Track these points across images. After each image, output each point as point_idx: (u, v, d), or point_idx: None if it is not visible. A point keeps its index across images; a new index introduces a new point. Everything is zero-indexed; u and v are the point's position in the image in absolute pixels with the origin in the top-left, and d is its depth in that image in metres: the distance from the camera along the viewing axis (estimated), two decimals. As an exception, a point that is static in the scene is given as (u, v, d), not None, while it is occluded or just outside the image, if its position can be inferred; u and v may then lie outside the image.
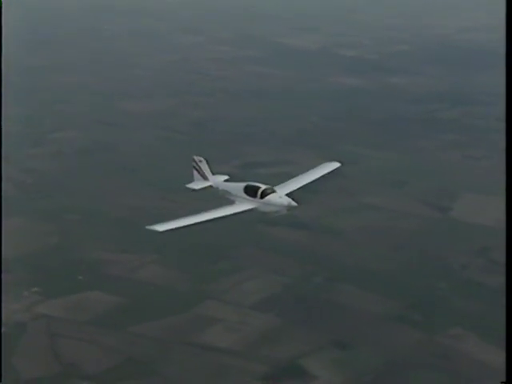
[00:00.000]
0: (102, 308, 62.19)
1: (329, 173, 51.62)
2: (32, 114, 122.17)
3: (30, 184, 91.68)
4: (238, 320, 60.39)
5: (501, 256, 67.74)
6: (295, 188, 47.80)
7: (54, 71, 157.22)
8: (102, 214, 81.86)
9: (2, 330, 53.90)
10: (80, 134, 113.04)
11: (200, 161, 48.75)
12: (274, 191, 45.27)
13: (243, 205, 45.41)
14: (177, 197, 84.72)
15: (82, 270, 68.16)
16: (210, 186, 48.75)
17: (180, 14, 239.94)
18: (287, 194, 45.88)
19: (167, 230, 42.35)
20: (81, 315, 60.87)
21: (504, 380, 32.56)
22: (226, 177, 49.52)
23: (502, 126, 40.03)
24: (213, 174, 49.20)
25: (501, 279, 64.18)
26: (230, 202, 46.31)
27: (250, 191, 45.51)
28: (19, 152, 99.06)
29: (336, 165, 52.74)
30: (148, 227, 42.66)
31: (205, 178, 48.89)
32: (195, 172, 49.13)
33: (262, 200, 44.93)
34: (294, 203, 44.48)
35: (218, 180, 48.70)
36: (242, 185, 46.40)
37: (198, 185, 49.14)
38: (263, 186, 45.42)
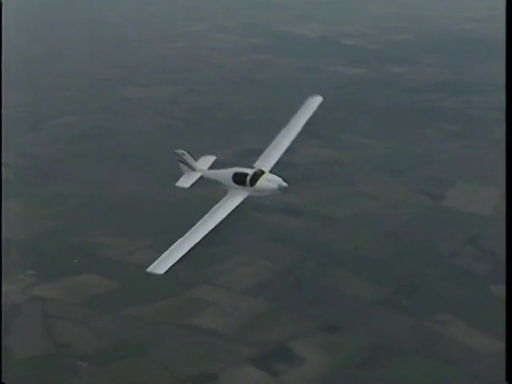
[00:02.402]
0: (97, 291, 63.08)
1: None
2: (31, 100, 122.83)
3: (27, 168, 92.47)
4: (229, 304, 61.26)
5: (490, 244, 69.24)
6: (290, 139, 47.54)
7: (55, 58, 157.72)
8: (99, 200, 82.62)
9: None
10: (79, 120, 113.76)
11: (183, 154, 46.59)
12: (262, 172, 42.73)
13: (236, 198, 42.85)
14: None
15: (77, 254, 69.08)
16: (201, 177, 46.30)
17: (183, 2, 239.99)
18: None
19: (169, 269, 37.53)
20: (75, 297, 61.82)
21: (504, 376, 33.13)
22: (214, 157, 47.32)
23: (502, 116, 40.41)
24: (196, 160, 46.70)
25: (489, 266, 65.74)
26: (223, 190, 44.10)
27: (239, 180, 42.91)
28: (17, 137, 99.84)
29: (319, 99, 50.92)
30: (148, 270, 37.62)
31: (192, 167, 46.50)
32: (181, 165, 46.92)
33: (252, 187, 42.42)
34: (284, 184, 42.11)
35: (205, 167, 46.67)
36: (230, 173, 43.60)
37: (187, 180, 46.31)
38: (250, 172, 42.80)
